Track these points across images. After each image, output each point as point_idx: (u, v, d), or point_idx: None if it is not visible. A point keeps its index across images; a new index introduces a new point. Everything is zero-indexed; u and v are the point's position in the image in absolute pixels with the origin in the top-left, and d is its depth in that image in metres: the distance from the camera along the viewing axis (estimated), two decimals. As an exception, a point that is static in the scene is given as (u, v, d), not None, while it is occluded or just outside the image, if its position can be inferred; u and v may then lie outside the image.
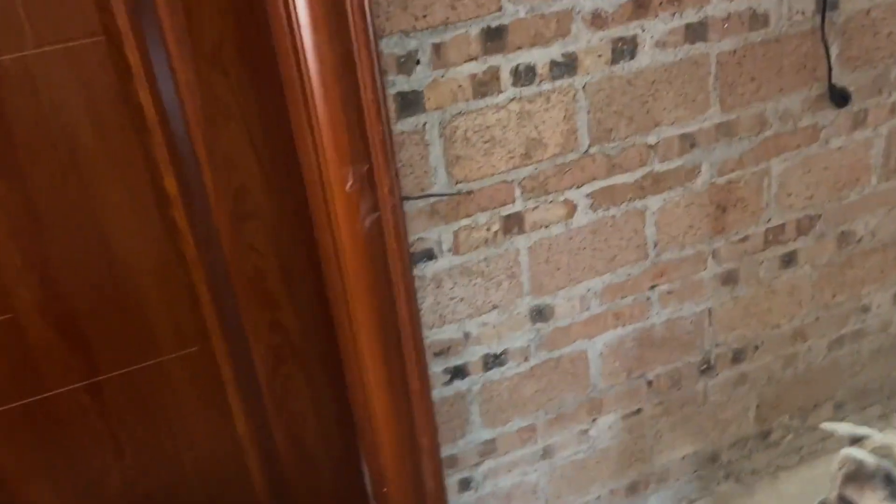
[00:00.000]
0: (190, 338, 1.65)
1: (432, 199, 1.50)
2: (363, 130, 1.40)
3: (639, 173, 1.63)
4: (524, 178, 1.54)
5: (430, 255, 1.53)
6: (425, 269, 1.54)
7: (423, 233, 1.51)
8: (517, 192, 1.55)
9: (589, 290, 1.70)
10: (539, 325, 1.68)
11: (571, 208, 1.61)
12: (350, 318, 1.55)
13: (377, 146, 1.42)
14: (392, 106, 1.39)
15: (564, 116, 1.53)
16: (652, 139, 1.61)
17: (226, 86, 1.47)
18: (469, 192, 1.51)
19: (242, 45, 1.46)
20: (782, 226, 1.83)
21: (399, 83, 1.39)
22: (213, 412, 1.73)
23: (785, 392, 2.02)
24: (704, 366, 1.90)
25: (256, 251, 1.61)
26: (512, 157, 1.52)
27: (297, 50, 1.32)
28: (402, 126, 1.42)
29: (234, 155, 1.52)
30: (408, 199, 1.48)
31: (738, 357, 1.93)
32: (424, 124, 1.43)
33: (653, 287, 1.75)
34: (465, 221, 1.53)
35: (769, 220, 1.81)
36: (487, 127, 1.48)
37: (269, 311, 1.67)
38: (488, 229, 1.56)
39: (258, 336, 1.69)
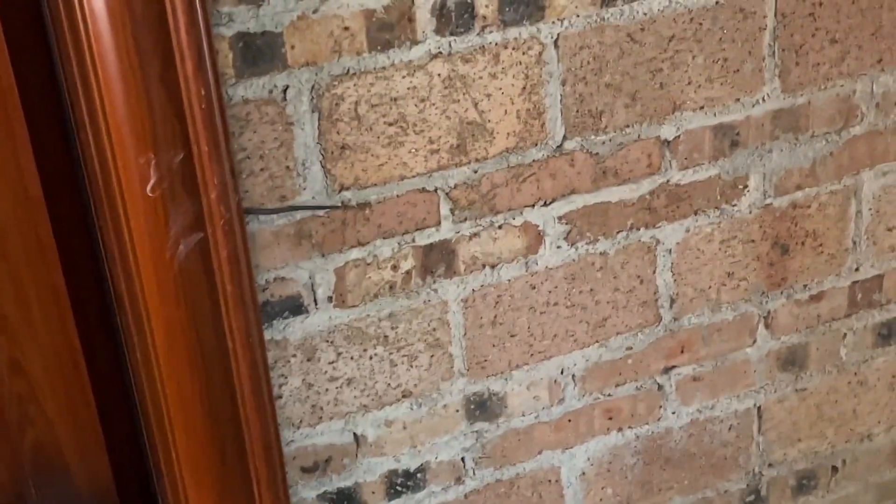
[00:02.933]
0: None
1: (299, 215, 1.22)
2: (174, 94, 1.13)
3: (646, 186, 1.37)
4: (456, 186, 1.28)
5: (295, 308, 1.26)
6: (287, 330, 1.28)
7: (284, 269, 1.25)
8: (444, 207, 1.28)
9: (563, 372, 1.43)
10: (481, 424, 1.42)
11: (535, 238, 1.35)
12: (158, 413, 1.27)
13: (199, 122, 1.15)
14: (227, 56, 1.16)
15: (524, 88, 1.27)
16: (668, 131, 1.36)
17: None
18: (363, 206, 1.25)
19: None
20: (878, 278, 1.60)
21: (240, 18, 1.14)
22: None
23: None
24: (751, 497, 1.64)
25: None
26: (435, 152, 1.25)
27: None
28: (245, 91, 1.17)
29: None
30: (255, 212, 1.21)
31: (804, 485, 1.70)
32: (285, 90, 1.17)
33: (668, 369, 1.49)
34: (355, 253, 1.26)
35: (857, 268, 1.58)
36: (394, 99, 1.21)
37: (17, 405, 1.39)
38: (395, 267, 1.29)
39: None
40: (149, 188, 1.17)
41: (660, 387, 1.53)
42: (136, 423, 1.39)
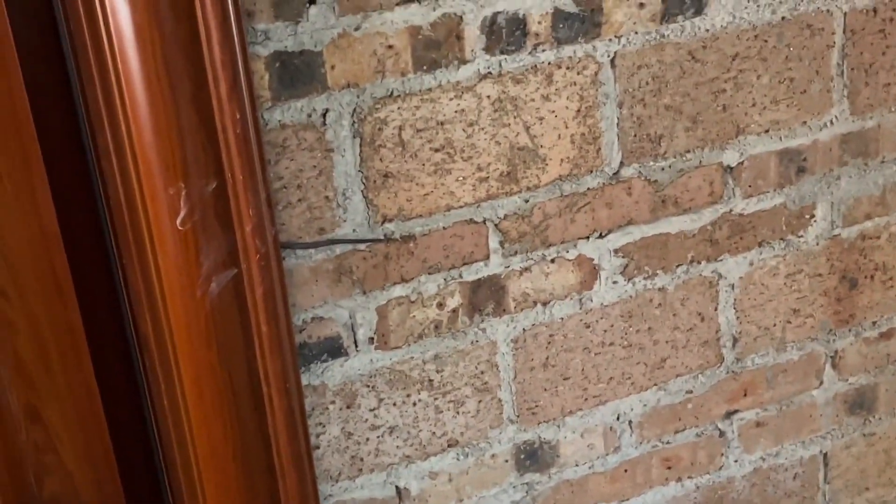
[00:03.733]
0: None
1: (339, 250, 1.13)
2: (206, 118, 1.04)
3: (708, 215, 1.27)
4: (506, 217, 1.19)
5: (334, 350, 1.17)
6: (326, 375, 1.18)
7: (322, 308, 1.15)
8: (493, 240, 1.18)
9: (620, 418, 1.33)
10: (532, 475, 1.32)
11: (589, 273, 1.25)
12: (186, 465, 1.17)
13: (233, 149, 1.07)
14: (263, 77, 1.07)
15: (579, 110, 1.18)
16: (731, 157, 1.27)
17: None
18: (407, 239, 1.15)
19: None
20: (951, 314, 1.47)
21: (277, 36, 1.05)
22: None
23: None
24: (817, 550, 1.53)
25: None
26: (484, 180, 1.16)
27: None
28: (283, 115, 1.08)
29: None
30: (292, 246, 1.11)
31: (874, 537, 1.56)
32: (324, 113, 1.07)
33: (730, 414, 1.40)
34: (399, 290, 1.16)
35: (929, 303, 1.46)
36: (440, 123, 1.12)
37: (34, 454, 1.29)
38: (441, 305, 1.19)
39: None
40: (179, 221, 1.07)
41: (721, 433, 1.43)
42: (159, 475, 1.29)
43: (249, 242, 1.10)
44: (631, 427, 1.38)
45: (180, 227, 1.08)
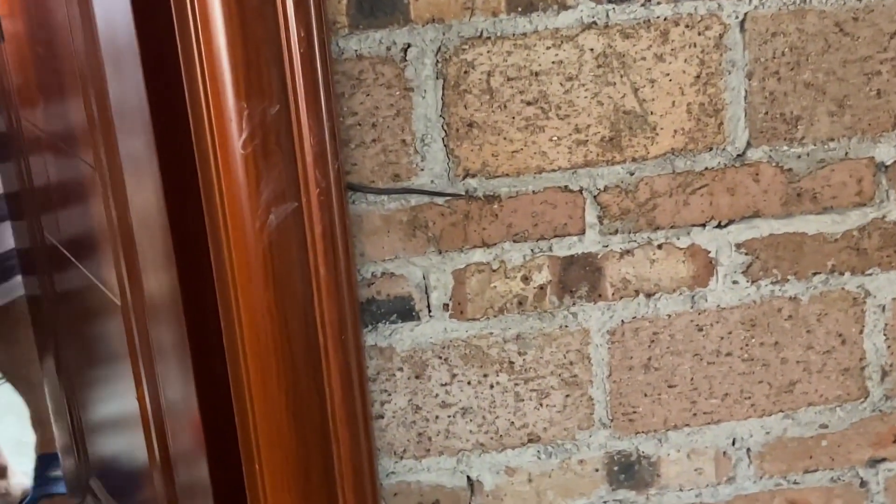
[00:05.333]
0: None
1: (414, 200, 1.06)
2: (271, 33, 1.01)
3: (854, 219, 1.11)
4: (606, 189, 1.08)
5: (405, 312, 1.09)
6: (394, 338, 1.11)
7: (394, 263, 1.08)
8: (590, 213, 1.07)
9: (736, 443, 1.17)
10: (626, 493, 1.19)
11: (704, 267, 1.12)
12: (242, 407, 1.13)
13: (297, 70, 1.03)
14: (341, 1, 1.03)
15: (698, 77, 1.06)
16: (885, 152, 1.11)
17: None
18: (490, 199, 1.07)
19: None
20: None
21: (357, -41, 1.01)
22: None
23: None
24: None
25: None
26: (583, 143, 1.06)
27: None
28: (359, 45, 1.03)
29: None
30: (362, 189, 1.05)
31: None
32: (405, 48, 1.02)
33: (876, 462, 1.21)
34: (479, 255, 1.07)
35: None
36: (535, 74, 1.03)
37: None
38: (526, 279, 1.08)
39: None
40: (240, 143, 1.03)
41: (863, 483, 1.22)
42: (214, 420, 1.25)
43: (310, 175, 1.05)
44: (749, 456, 1.20)
45: (241, 151, 1.04)
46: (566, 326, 1.14)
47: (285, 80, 1.02)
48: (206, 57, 1.02)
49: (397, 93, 1.05)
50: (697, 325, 1.16)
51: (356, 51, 1.04)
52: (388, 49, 1.04)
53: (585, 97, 1.07)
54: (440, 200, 1.08)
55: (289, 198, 1.05)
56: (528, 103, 1.07)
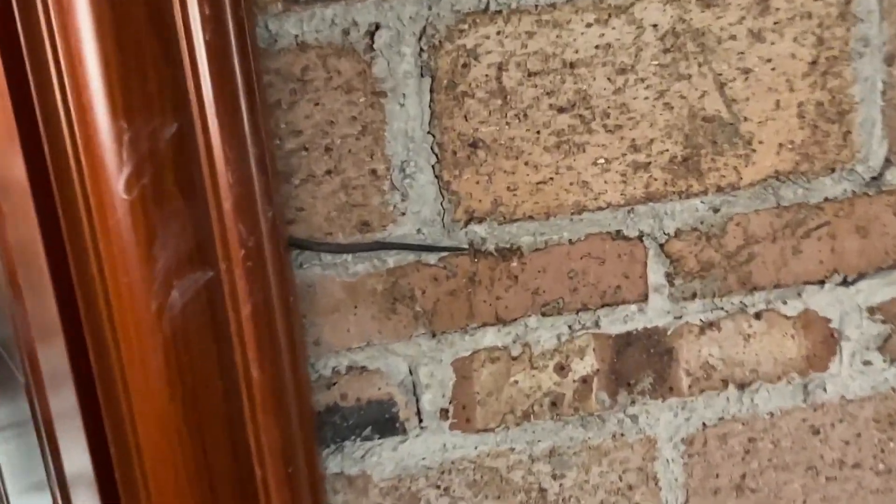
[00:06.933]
0: None
1: (392, 260, 0.69)
2: (161, 15, 0.63)
3: None
4: (678, 234, 0.74)
5: (384, 423, 0.72)
6: (369, 461, 0.76)
7: (365, 353, 0.75)
8: (655, 270, 0.71)
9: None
10: None
11: (822, 342, 0.77)
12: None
13: (202, 69, 0.65)
14: None
15: (815, 62, 0.72)
16: None
17: None
18: (507, 254, 0.73)
19: None
20: None
21: None
22: None
23: None
24: None
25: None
26: (643, 167, 0.73)
27: None
28: (302, 28, 0.70)
29: None
30: (316, 247, 0.68)
31: None
32: (373, 31, 0.65)
33: None
34: (491, 338, 0.71)
35: None
36: (570, 65, 0.67)
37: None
38: (562, 369, 0.71)
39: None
40: (121, 183, 0.66)
41: None
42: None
43: (230, 228, 0.68)
44: None
45: (124, 195, 0.66)
46: (622, 435, 0.77)
47: (185, 87, 0.65)
48: (63, 53, 0.65)
49: (362, 99, 0.68)
50: (812, 425, 0.78)
51: (297, 37, 0.66)
52: (346, 33, 0.67)
53: (646, 98, 0.70)
54: (432, 258, 0.71)
55: (198, 264, 0.68)
56: (561, 109, 0.69)
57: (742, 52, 0.71)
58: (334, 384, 0.74)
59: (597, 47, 0.70)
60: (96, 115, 0.65)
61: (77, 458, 0.95)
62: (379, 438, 0.76)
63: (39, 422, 1.17)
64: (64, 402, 0.93)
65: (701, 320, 0.76)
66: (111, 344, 0.72)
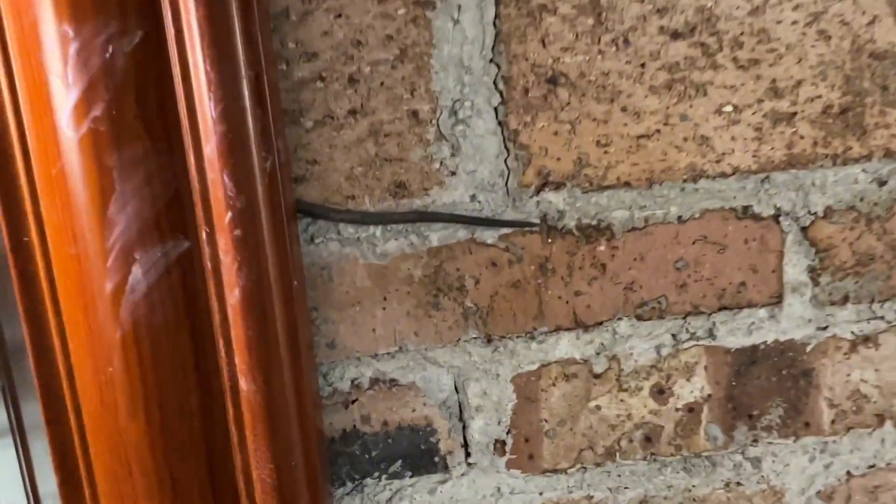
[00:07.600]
0: None
1: (436, 237, 0.48)
2: None
3: None
4: (828, 212, 0.53)
5: (420, 456, 0.54)
6: None
7: (395, 362, 0.54)
8: (796, 260, 0.50)
9: None
10: None
11: None
12: None
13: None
14: None
15: None
16: None
17: None
18: (592, 233, 0.51)
19: None
20: None
21: None
22: None
23: None
24: None
25: None
26: (786, 117, 0.52)
27: None
28: None
29: None
30: (329, 216, 0.48)
31: None
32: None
33: None
34: (566, 346, 0.50)
35: None
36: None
37: None
38: (661, 392, 0.51)
39: None
40: (67, 112, 0.47)
41: None
42: None
43: (213, 180, 0.48)
44: None
45: (69, 132, 0.47)
46: (738, 485, 0.56)
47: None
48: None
49: (401, 11, 0.48)
50: None
51: (312, -80, 0.47)
52: (381, -83, 0.47)
53: (794, 24, 0.50)
54: (489, 236, 0.51)
55: (169, 231, 0.49)
56: (676, 35, 0.49)
57: (930, -38, 0.51)
58: (353, 402, 0.55)
59: (728, -51, 0.50)
60: (32, 17, 0.46)
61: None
62: (412, 477, 0.56)
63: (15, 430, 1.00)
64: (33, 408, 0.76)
65: (853, 333, 0.56)
66: (55, 337, 0.53)
